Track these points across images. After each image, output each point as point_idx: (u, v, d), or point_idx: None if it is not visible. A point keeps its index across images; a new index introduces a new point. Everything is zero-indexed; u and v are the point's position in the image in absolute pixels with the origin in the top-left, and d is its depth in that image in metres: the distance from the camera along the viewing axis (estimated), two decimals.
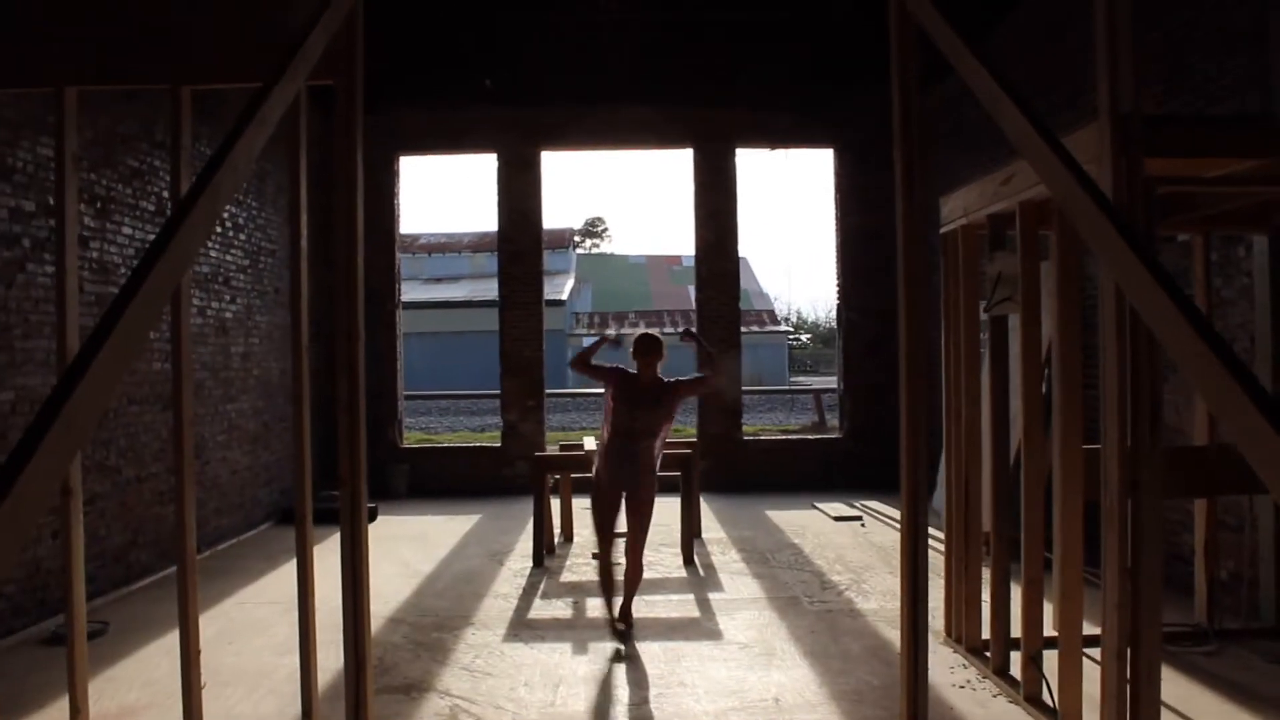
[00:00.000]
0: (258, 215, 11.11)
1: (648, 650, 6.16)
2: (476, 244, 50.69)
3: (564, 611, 7.17)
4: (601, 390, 6.89)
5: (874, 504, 11.64)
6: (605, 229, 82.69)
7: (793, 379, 48.55)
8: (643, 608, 7.20)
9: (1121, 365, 3.81)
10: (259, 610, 7.24)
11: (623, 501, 6.63)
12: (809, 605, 7.18)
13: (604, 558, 6.67)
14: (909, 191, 4.14)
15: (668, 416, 6.67)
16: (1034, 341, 4.94)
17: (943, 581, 7.44)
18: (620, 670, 5.79)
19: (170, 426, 9.06)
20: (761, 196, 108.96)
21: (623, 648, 6.19)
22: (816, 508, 11.61)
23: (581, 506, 11.26)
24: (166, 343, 9.06)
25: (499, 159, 13.53)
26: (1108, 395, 3.83)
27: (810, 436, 15.81)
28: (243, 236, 10.66)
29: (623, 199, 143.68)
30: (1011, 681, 5.27)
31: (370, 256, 13.24)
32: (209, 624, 6.97)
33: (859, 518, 10.93)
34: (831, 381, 38.01)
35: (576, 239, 65.98)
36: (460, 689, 5.50)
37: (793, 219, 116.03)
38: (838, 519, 10.86)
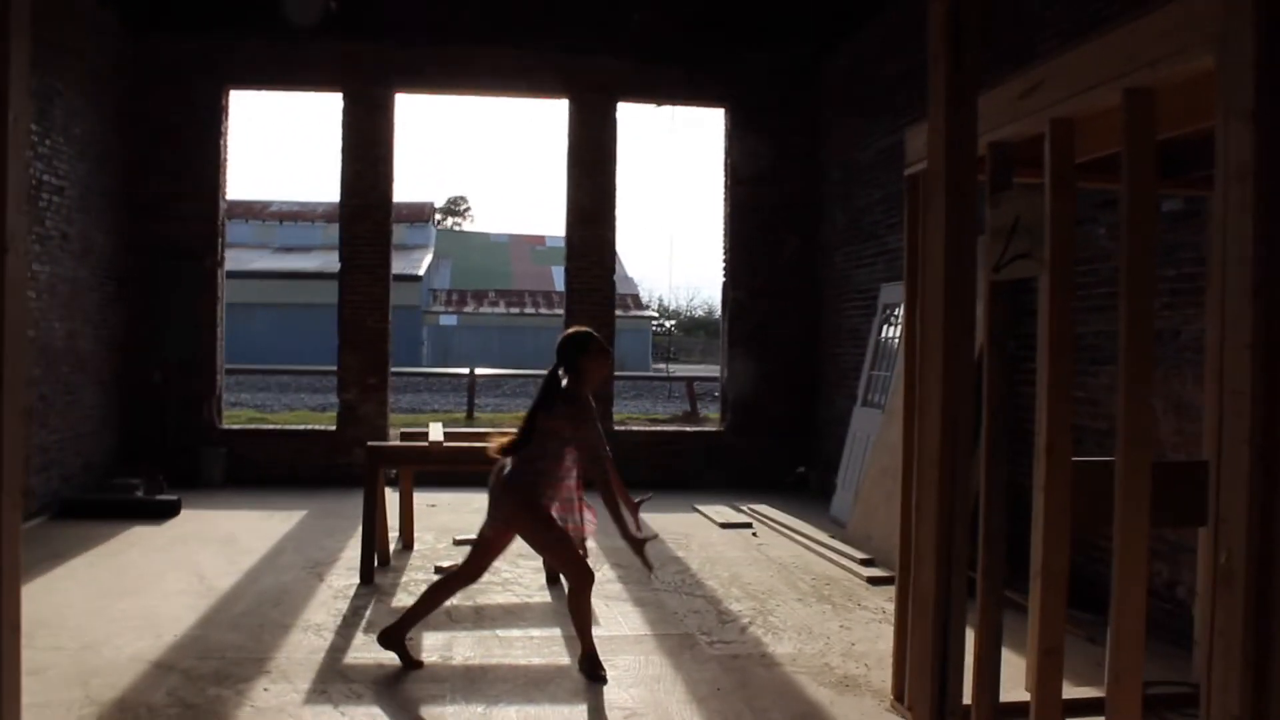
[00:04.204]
0: (39, 143, 9.07)
1: (502, 718, 4.56)
2: (331, 214, 47.93)
3: (391, 655, 5.47)
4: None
5: (762, 508, 10.18)
6: (468, 208, 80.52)
7: (654, 366, 47.46)
8: (496, 647, 5.61)
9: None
10: None
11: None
12: (708, 647, 5.66)
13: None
14: None
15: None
16: (1066, 313, 3.51)
17: (885, 626, 6.05)
18: None
19: None
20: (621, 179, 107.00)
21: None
22: (699, 510, 10.15)
23: (427, 504, 9.63)
24: None
25: (344, 98, 11.66)
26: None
27: (688, 429, 14.36)
28: None
29: (486, 177, 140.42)
30: None
31: (188, 205, 11.45)
32: None
33: (749, 525, 9.50)
34: (694, 370, 36.97)
35: (438, 216, 63.57)
36: None
37: (652, 203, 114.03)
38: (725, 525, 9.41)
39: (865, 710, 4.70)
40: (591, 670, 5.14)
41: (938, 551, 2.51)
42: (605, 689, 4.95)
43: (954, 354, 2.58)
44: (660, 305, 66.34)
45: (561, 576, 6.16)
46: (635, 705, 4.72)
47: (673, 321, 63.41)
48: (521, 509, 5.11)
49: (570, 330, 5.42)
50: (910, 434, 4.64)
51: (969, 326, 2.69)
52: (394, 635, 5.25)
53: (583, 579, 5.16)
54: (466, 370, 23.67)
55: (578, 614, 5.18)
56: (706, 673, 5.22)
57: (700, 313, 69.02)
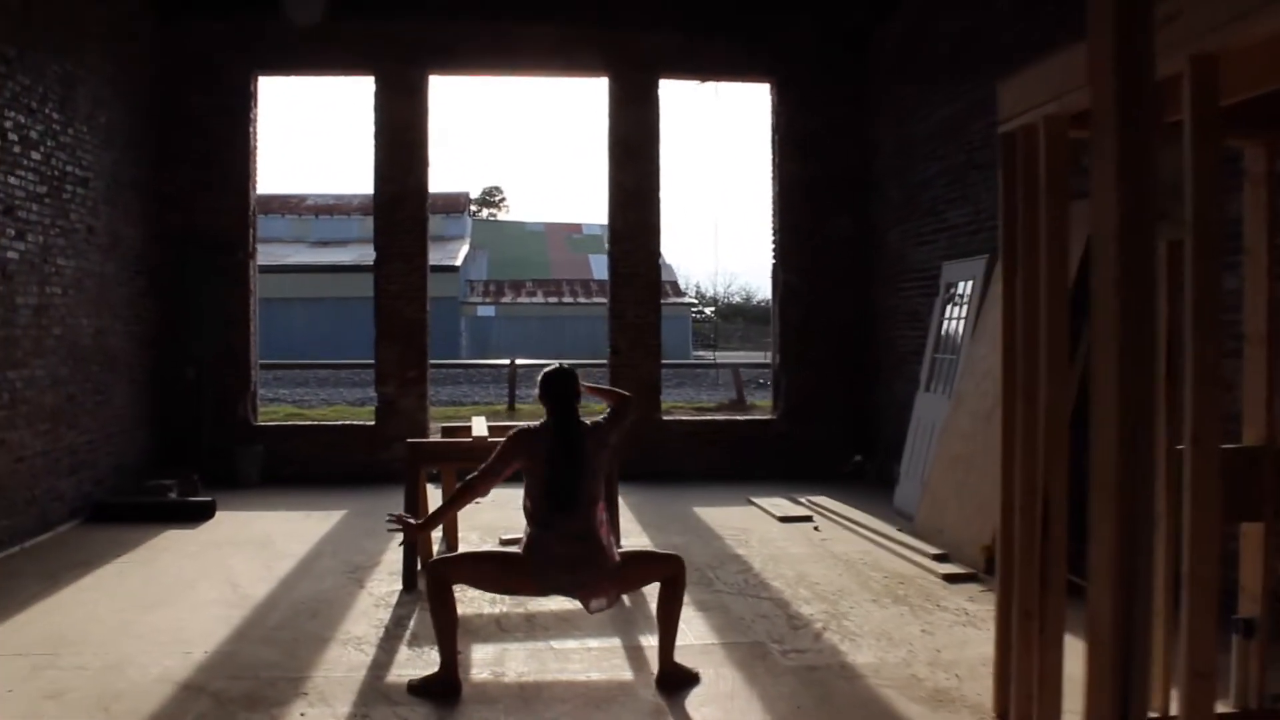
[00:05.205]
0: (61, 132, 8.70)
1: None
2: (367, 206, 47.58)
3: (433, 668, 5.04)
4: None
5: (821, 499, 9.70)
6: (503, 198, 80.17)
7: (695, 354, 47.04)
8: (551, 660, 5.17)
9: None
10: None
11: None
12: (782, 657, 5.19)
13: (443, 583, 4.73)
14: None
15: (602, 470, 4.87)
16: (1214, 282, 3.01)
17: (971, 630, 5.56)
18: None
19: None
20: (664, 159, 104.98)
21: None
22: (755, 504, 9.66)
23: (473, 503, 9.19)
24: None
25: (377, 80, 11.25)
26: None
27: (739, 417, 13.89)
28: (36, 156, 8.25)
29: (519, 167, 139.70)
30: None
31: (218, 195, 11.04)
32: None
33: (809, 518, 9.01)
34: (736, 356, 36.45)
35: (473, 207, 63.29)
36: None
37: (690, 188, 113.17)
38: (784, 519, 8.92)
39: None
40: (680, 682, 4.74)
41: (1117, 579, 2.04)
42: (674, 709, 4.48)
43: (1133, 340, 2.11)
44: (698, 292, 65.80)
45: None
46: None
47: (712, 308, 62.78)
48: (616, 573, 4.73)
49: (552, 369, 4.94)
50: (1011, 424, 4.16)
51: (1150, 304, 2.21)
52: (448, 670, 4.76)
53: (679, 564, 4.83)
54: (506, 361, 23.25)
55: (671, 618, 4.75)
56: (784, 687, 4.75)
57: (738, 299, 68.45)
